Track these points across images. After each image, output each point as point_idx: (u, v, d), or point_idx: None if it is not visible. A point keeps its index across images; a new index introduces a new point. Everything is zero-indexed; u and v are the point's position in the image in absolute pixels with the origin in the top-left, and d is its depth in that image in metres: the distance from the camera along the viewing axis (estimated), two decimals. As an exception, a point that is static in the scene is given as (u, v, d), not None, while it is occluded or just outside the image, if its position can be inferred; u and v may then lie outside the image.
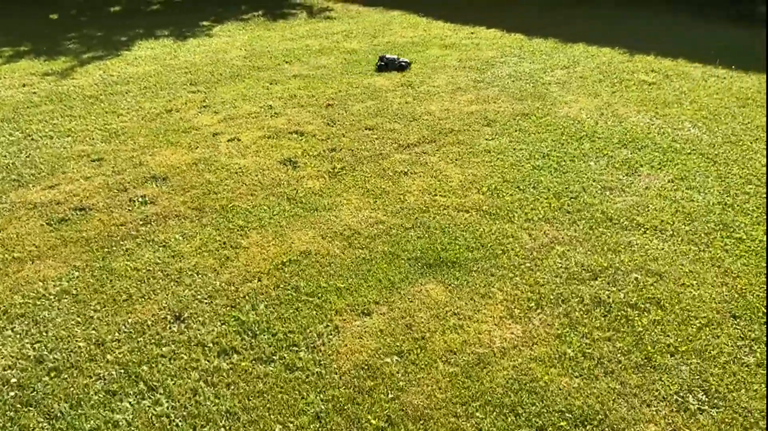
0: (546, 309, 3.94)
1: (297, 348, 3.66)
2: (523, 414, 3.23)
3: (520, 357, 3.59)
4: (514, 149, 5.97)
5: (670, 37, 9.26)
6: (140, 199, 5.33)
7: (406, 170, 5.70)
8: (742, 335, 3.60)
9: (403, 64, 8.25)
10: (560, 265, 4.33)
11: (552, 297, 4.04)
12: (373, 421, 3.17)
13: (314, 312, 3.92)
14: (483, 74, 7.92)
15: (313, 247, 4.57)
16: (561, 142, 6.03)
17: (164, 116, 7.15)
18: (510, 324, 3.84)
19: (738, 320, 3.70)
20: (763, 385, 3.28)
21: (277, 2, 13.86)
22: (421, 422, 3.19)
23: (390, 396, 3.33)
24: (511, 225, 4.81)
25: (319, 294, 4.07)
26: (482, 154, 5.93)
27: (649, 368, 3.45)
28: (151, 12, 13.68)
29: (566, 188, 5.23)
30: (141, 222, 4.97)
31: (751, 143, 5.57)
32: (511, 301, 4.03)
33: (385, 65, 8.27)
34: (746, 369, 3.38)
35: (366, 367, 3.51)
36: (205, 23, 12.07)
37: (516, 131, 6.34)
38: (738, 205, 4.75)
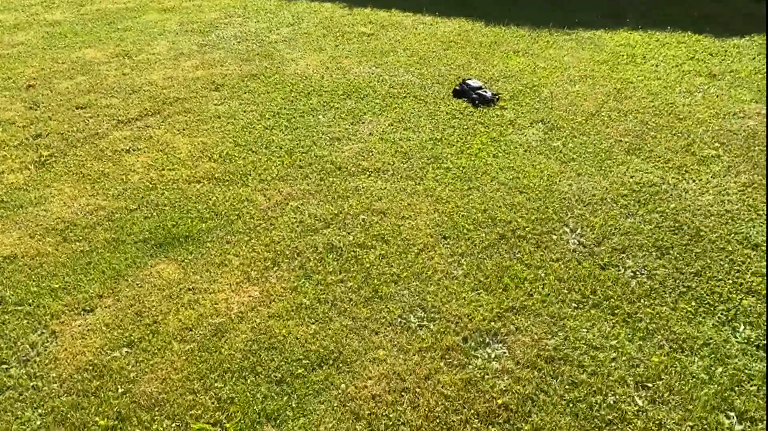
0: (282, 266, 4.01)
1: (7, 366, 3.25)
2: (263, 372, 3.28)
3: (259, 318, 3.61)
4: (245, 111, 5.89)
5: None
6: None
7: (128, 147, 5.30)
8: (452, 253, 4.05)
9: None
10: (295, 220, 4.42)
11: (288, 252, 4.12)
12: (102, 422, 2.96)
13: (25, 322, 3.50)
14: (207, 37, 7.63)
15: (20, 250, 4.05)
16: (290, 100, 6.09)
17: None
18: (247, 288, 3.84)
19: (448, 240, 4.15)
20: (471, 292, 3.74)
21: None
22: (156, 409, 3.06)
23: (120, 391, 3.14)
24: (246, 189, 4.77)
25: (30, 301, 3.64)
26: (212, 120, 5.75)
27: (376, 299, 3.72)
28: None
29: (298, 144, 5.32)
30: None
31: (454, 81, 6.20)
32: (247, 265, 4.02)
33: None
34: (456, 281, 3.82)
35: (91, 367, 3.25)
36: None
37: (245, 93, 6.24)
38: (445, 139, 5.27)
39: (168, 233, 4.26)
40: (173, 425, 3.01)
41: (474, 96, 5.80)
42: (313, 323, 3.57)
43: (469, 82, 5.93)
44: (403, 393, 3.17)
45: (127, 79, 6.56)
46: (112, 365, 3.26)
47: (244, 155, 5.19)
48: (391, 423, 3.03)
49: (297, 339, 3.47)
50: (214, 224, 4.38)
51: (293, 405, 3.12)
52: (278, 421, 3.05)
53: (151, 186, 4.78)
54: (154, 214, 4.45)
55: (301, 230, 4.31)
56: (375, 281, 3.84)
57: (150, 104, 6.02)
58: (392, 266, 3.95)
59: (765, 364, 3.12)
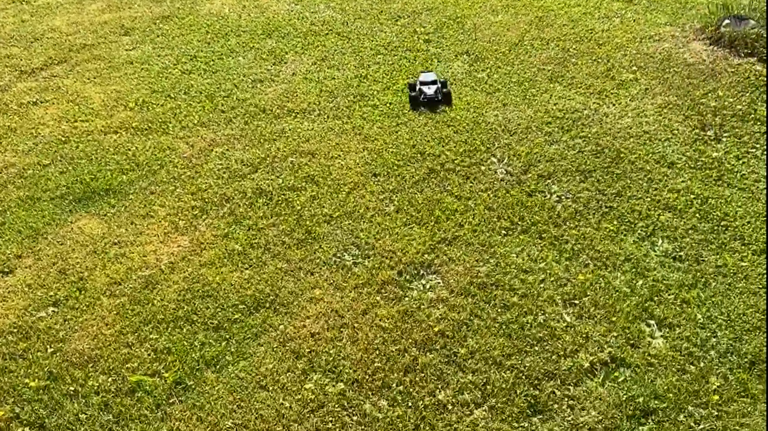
0: (211, 213, 3.91)
1: None
2: (199, 320, 3.24)
3: (190, 267, 3.54)
4: (159, 56, 5.57)
5: None
6: None
7: (34, 100, 4.94)
8: (383, 189, 4.04)
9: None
10: (221, 166, 4.29)
11: (216, 199, 4.01)
12: (33, 383, 2.87)
13: (-64, 290, 3.30)
14: (112, -23, 7.10)
15: None
16: (207, 41, 5.80)
17: None
18: (176, 238, 3.73)
19: (378, 177, 4.14)
20: (403, 227, 3.77)
21: None
22: (90, 365, 2.99)
23: (50, 350, 3.03)
24: (167, 137, 4.57)
25: (-60, 267, 3.42)
26: (124, 66, 5.42)
27: (310, 240, 3.70)
28: None
29: (218, 88, 5.11)
30: None
31: (377, 16, 6.06)
32: (175, 215, 3.90)
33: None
34: (388, 217, 3.84)
35: (15, 330, 3.11)
36: None
37: (158, 36, 5.90)
38: (371, 75, 5.18)
39: (87, 187, 4.05)
40: (109, 380, 2.95)
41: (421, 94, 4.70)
42: (246, 268, 3.53)
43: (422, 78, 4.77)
44: (342, 329, 3.21)
45: (27, 26, 6.06)
46: (38, 325, 3.13)
47: (162, 102, 4.95)
48: (331, 358, 3.07)
49: (231, 285, 3.42)
50: (135, 175, 4.19)
51: (232, 350, 3.10)
52: (218, 366, 3.04)
53: (63, 139, 4.50)
54: (70, 168, 4.22)
55: (228, 176, 4.20)
56: (307, 222, 3.81)
57: (55, 52, 5.60)
58: (324, 206, 3.92)
59: (681, 275, 3.33)
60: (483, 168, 4.15)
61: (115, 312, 3.24)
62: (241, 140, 4.53)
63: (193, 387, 2.96)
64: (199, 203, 3.97)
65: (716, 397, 2.76)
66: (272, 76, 5.25)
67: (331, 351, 3.10)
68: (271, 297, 3.36)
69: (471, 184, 4.03)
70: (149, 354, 3.06)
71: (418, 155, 4.28)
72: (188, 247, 3.65)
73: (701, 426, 2.68)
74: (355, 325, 3.22)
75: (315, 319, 3.25)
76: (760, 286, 3.22)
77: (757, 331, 3.02)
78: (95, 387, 2.91)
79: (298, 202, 3.96)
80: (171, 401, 2.88)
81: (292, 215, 3.87)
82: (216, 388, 2.94)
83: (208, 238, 3.72)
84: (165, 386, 2.93)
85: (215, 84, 5.16)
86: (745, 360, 2.90)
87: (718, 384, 2.81)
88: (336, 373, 3.01)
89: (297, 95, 4.98)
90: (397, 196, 3.98)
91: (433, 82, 4.72)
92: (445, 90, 4.74)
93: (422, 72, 4.94)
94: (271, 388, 2.94)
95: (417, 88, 4.76)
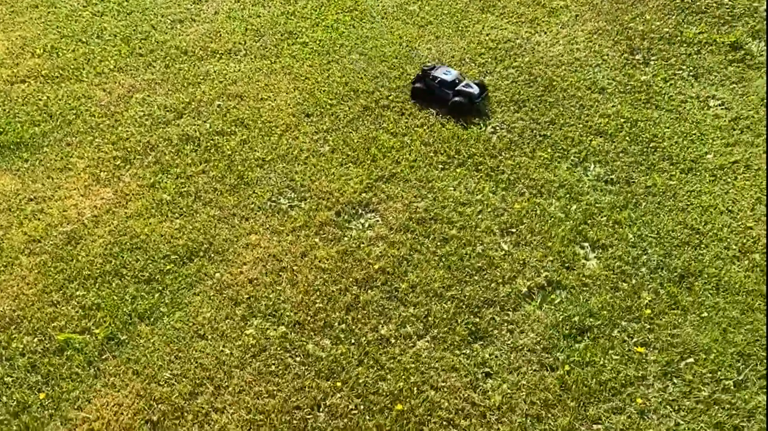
0: (135, 163, 3.70)
1: None
2: (128, 274, 3.09)
3: (116, 220, 3.36)
4: (67, -2, 5.15)
5: None
6: None
7: (-73, 50, 4.50)
8: (316, 130, 3.92)
9: None
10: (143, 113, 4.04)
11: (139, 148, 3.79)
12: (-51, 350, 2.70)
13: None
14: None
15: None
16: (120, -20, 5.39)
17: None
18: (98, 190, 3.52)
19: (311, 117, 4.00)
20: (339, 167, 3.68)
21: None
22: (13, 327, 2.82)
23: (-34, 316, 2.85)
24: (81, 85, 4.26)
25: None
26: (28, 10, 4.97)
27: (242, 185, 3.56)
28: None
29: (135, 30, 4.77)
30: None
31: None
32: (95, 166, 3.67)
33: None
34: (324, 158, 3.73)
35: (-75, 297, 2.90)
36: None
37: (64, -23, 5.43)
38: (298, 12, 4.94)
39: (-5, 142, 3.76)
40: (35, 340, 2.80)
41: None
42: (177, 218, 3.38)
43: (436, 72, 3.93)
44: (280, 273, 3.13)
45: None
46: (-50, 291, 2.93)
47: (74, 47, 4.59)
48: (271, 302, 3.00)
49: (162, 236, 3.27)
50: (49, 126, 3.91)
51: (167, 301, 2.99)
52: (152, 319, 2.93)
53: (-36, 91, 4.14)
54: (-26, 122, 3.89)
55: (151, 123, 3.97)
56: (239, 167, 3.66)
57: (-54, -3, 5.08)
58: (256, 150, 3.77)
59: (613, 197, 3.39)
60: (418, 103, 4.06)
61: (36, 270, 3.06)
62: (163, 85, 4.27)
63: (127, 341, 2.85)
64: (121, 153, 3.74)
65: (648, 311, 2.86)
66: (193, 16, 4.93)
67: (270, 296, 3.03)
68: (204, 246, 3.24)
69: (406, 120, 3.94)
70: (77, 312, 2.92)
71: (352, 93, 4.15)
72: (112, 200, 3.46)
73: (634, 340, 2.78)
74: (294, 268, 3.15)
75: (252, 265, 3.16)
76: (688, 203, 3.32)
77: (686, 246, 3.12)
78: (20, 349, 2.77)
79: (228, 147, 3.79)
80: (104, 357, 2.77)
81: (222, 161, 3.70)
82: (151, 340, 2.84)
83: (133, 189, 3.53)
84: (96, 343, 2.81)
85: (131, 26, 4.81)
86: (675, 274, 3.01)
87: (650, 298, 2.91)
88: (277, 317, 2.95)
89: (221, 35, 4.71)
90: (331, 136, 3.86)
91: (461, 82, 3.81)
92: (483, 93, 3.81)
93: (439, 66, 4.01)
94: (209, 337, 2.86)
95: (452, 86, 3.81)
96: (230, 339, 2.85)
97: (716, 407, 2.57)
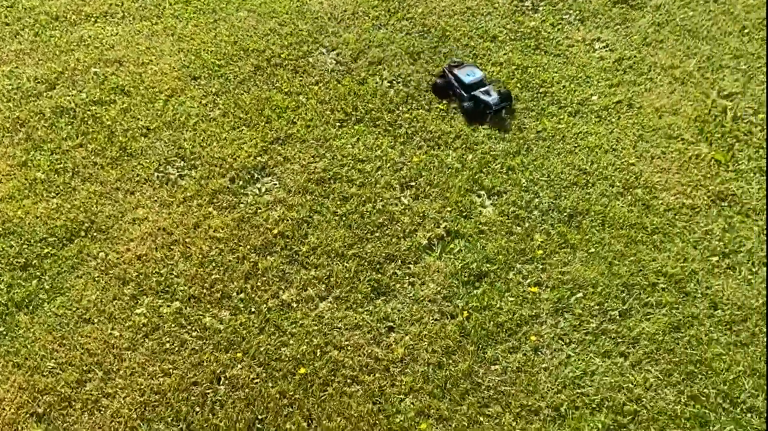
0: (4, 141, 3.39)
1: None
2: (2, 261, 2.85)
3: (-16, 204, 3.07)
4: None
5: None
6: None
7: None
8: (205, 93, 3.70)
9: None
10: (10, 86, 3.69)
11: (8, 125, 3.47)
12: None
13: None
14: None
15: None
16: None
17: None
18: (-38, 174, 3.21)
19: (198, 80, 3.77)
20: (232, 131, 3.50)
21: None
22: None
23: None
24: (-64, 59, 3.84)
25: None
26: None
27: (125, 157, 3.33)
28: None
29: (-4, -4, 4.34)
30: None
31: None
32: (-43, 147, 3.33)
33: None
34: (214, 123, 3.54)
35: None
36: None
37: None
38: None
39: None
40: None
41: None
42: (53, 197, 3.12)
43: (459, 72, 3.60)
44: (172, 247, 2.97)
45: None
46: None
47: (-75, 18, 4.12)
48: (163, 278, 2.84)
49: (37, 218, 3.02)
50: None
51: (46, 287, 2.78)
52: (31, 307, 2.72)
53: None
54: None
55: (20, 97, 3.64)
56: (121, 138, 3.42)
57: None
58: (139, 119, 3.53)
59: (506, 144, 3.39)
60: (312, 60, 3.91)
61: None
62: (32, 54, 3.91)
63: (5, 333, 2.63)
64: (-16, 132, 3.42)
65: (540, 252, 2.91)
66: (62, -22, 4.52)
67: (162, 271, 2.87)
68: (86, 225, 3.01)
69: (301, 78, 3.80)
70: (-57, 308, 2.67)
71: (242, 52, 3.94)
72: (-21, 183, 3.16)
73: (528, 280, 2.83)
74: (187, 240, 2.99)
75: (140, 241, 2.98)
76: (575, 145, 3.39)
77: (574, 186, 3.19)
78: None
79: (107, 117, 3.52)
80: (-22, 353, 2.55)
81: (102, 132, 3.45)
82: (32, 330, 2.64)
83: (2, 169, 3.23)
84: (-32, 339, 2.58)
85: (-10, -8, 4.36)
86: (565, 214, 3.07)
87: (542, 240, 2.96)
88: (170, 293, 2.80)
89: (94, -2, 4.35)
90: (221, 99, 3.67)
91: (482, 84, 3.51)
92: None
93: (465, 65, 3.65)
94: (96, 320, 2.68)
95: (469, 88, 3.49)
96: (119, 320, 2.68)
97: (603, 337, 2.67)
